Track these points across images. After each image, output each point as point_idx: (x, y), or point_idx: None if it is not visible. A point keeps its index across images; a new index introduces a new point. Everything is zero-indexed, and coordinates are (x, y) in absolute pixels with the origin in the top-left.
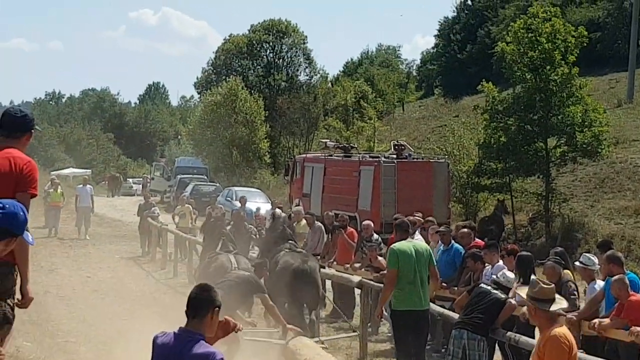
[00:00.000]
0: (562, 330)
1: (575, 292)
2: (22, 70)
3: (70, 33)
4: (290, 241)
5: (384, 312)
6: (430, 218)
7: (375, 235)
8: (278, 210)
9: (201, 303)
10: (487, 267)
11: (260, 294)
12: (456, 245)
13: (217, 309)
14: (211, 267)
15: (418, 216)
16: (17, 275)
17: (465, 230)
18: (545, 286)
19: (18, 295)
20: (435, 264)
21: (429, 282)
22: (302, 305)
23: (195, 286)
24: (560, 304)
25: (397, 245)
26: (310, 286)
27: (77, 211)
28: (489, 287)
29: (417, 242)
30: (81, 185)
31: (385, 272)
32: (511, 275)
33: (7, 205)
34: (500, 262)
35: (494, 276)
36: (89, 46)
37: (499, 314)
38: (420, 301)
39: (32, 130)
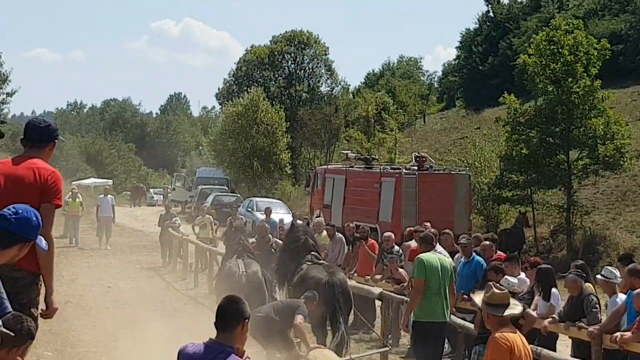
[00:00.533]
0: (506, 333)
1: (597, 306)
2: (44, 80)
3: (92, 43)
4: (312, 252)
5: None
6: (446, 230)
7: (397, 247)
8: (299, 222)
9: (231, 315)
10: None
11: (299, 314)
12: (477, 257)
13: (246, 320)
14: (222, 275)
15: (427, 226)
16: (41, 285)
17: (487, 242)
18: (497, 291)
19: (42, 305)
20: (455, 280)
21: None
22: (326, 321)
23: (225, 298)
24: (514, 309)
25: (424, 255)
26: (343, 299)
27: (98, 221)
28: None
29: (441, 255)
30: (102, 195)
31: (405, 284)
32: (514, 280)
33: (20, 211)
34: (522, 275)
35: (498, 284)
36: (110, 56)
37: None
38: (443, 313)
39: (56, 141)
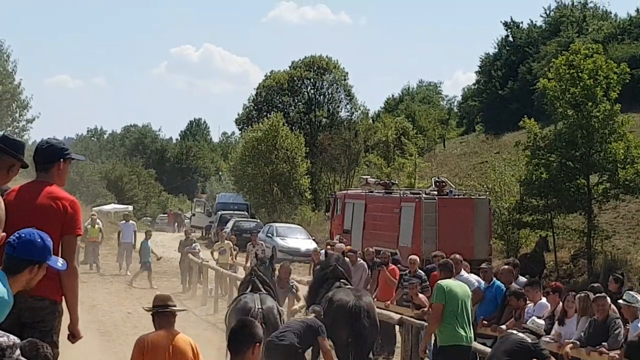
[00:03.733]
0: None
1: (621, 329)
2: (65, 106)
3: (113, 70)
4: (342, 280)
5: (427, 347)
6: (457, 256)
7: (420, 271)
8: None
9: (243, 339)
10: (529, 305)
11: (321, 336)
12: (498, 282)
13: (258, 344)
14: (236, 309)
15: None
16: (62, 313)
17: (507, 267)
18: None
19: (64, 332)
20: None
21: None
22: (349, 346)
23: (238, 320)
24: None
25: (444, 281)
26: (368, 323)
27: (119, 247)
28: (516, 331)
29: (461, 282)
30: (124, 221)
31: (425, 309)
32: (541, 321)
33: (23, 235)
34: (543, 300)
35: (524, 324)
36: (131, 82)
37: (524, 357)
38: (467, 338)
39: (63, 159)
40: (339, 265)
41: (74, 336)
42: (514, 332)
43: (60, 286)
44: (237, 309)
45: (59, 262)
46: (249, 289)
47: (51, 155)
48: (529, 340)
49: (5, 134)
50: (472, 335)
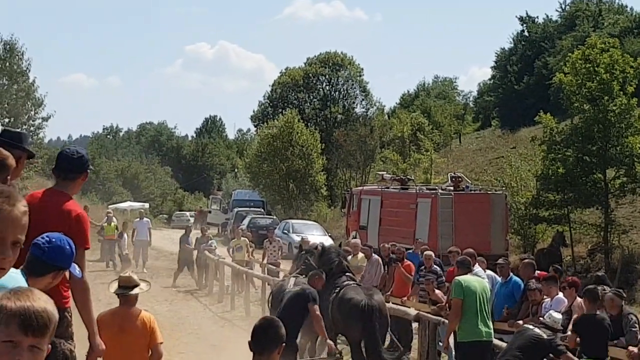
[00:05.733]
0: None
1: (637, 325)
2: (81, 105)
3: (128, 68)
4: (347, 274)
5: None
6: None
7: (436, 267)
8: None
9: (272, 338)
10: (546, 300)
11: (312, 303)
12: (515, 278)
13: (284, 345)
14: (273, 290)
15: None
16: (71, 317)
17: (526, 261)
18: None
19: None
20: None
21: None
22: (361, 343)
23: (262, 319)
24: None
25: (462, 277)
26: (380, 323)
27: (135, 244)
28: (532, 326)
29: (479, 277)
30: (138, 219)
31: (441, 304)
32: (558, 315)
33: (54, 239)
34: (560, 295)
35: (541, 318)
36: (146, 80)
37: (541, 354)
38: (486, 333)
39: (88, 171)
40: (342, 259)
41: (93, 349)
42: (530, 327)
43: (66, 293)
44: (274, 291)
45: (77, 270)
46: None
47: (80, 167)
48: (545, 336)
49: (5, 127)
50: (492, 331)
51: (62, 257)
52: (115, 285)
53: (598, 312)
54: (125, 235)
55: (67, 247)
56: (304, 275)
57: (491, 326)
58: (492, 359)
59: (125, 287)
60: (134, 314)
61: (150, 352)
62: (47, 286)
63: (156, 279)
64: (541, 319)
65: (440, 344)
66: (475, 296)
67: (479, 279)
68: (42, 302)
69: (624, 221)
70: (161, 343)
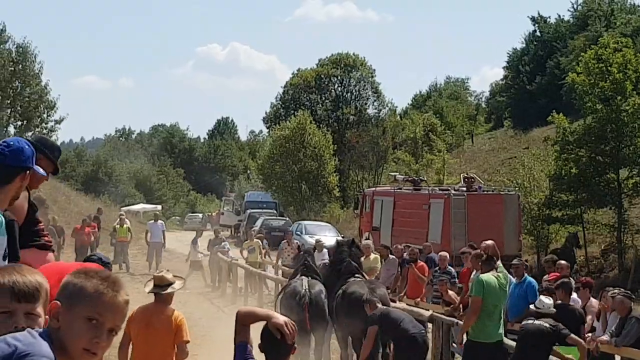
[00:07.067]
0: None
1: (633, 327)
2: (93, 107)
3: (140, 70)
4: (356, 275)
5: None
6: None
7: (450, 268)
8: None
9: (285, 351)
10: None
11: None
12: (529, 278)
13: (295, 348)
14: (286, 293)
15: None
16: None
17: (564, 262)
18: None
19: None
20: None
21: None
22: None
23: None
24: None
25: (485, 276)
26: None
27: (149, 246)
28: (532, 320)
29: (502, 274)
30: (152, 221)
31: (455, 305)
32: (547, 300)
33: (12, 142)
34: (574, 295)
35: (532, 306)
36: (158, 82)
37: (550, 344)
38: (495, 334)
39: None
40: (352, 261)
41: None
42: (529, 321)
43: None
44: (287, 294)
45: (41, 170)
46: (299, 275)
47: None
48: (548, 325)
49: (42, 136)
50: (502, 332)
51: (24, 157)
52: (150, 285)
53: (571, 303)
54: (198, 242)
55: (27, 146)
56: (310, 278)
57: (502, 328)
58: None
59: (159, 287)
60: (163, 311)
61: (175, 349)
62: (18, 192)
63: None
64: (532, 307)
65: (454, 345)
66: (492, 297)
67: (500, 278)
68: (31, 273)
69: (637, 221)
70: (187, 342)
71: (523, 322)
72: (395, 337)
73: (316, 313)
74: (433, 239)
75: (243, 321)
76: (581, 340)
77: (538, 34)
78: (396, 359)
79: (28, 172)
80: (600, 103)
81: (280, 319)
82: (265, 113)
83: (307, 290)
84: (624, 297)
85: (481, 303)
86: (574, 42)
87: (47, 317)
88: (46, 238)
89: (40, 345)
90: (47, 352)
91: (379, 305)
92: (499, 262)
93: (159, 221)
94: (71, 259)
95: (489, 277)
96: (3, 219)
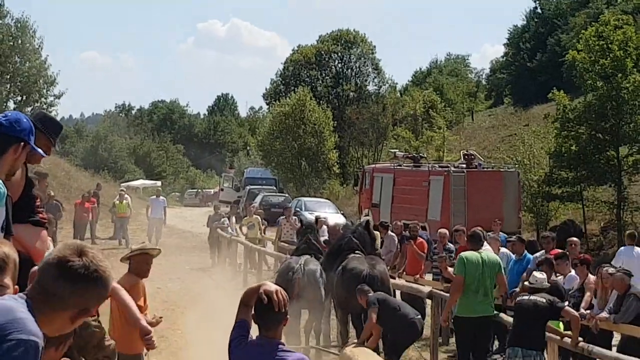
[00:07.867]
0: None
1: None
2: (93, 82)
3: (141, 45)
4: (356, 252)
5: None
6: (461, 228)
7: (450, 244)
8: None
9: (276, 318)
10: (559, 277)
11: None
12: (529, 255)
13: (287, 317)
14: (280, 269)
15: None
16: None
17: (548, 233)
18: None
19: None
20: (504, 273)
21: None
22: (361, 315)
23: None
24: None
25: (466, 254)
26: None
27: (149, 222)
28: (527, 296)
29: (487, 252)
30: (154, 197)
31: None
32: (541, 275)
33: (9, 114)
34: (572, 272)
35: (526, 282)
36: (158, 58)
37: (546, 318)
38: (482, 309)
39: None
40: (353, 238)
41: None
42: (525, 297)
43: None
44: (281, 269)
45: (40, 150)
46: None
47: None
48: (544, 300)
49: (44, 112)
50: (491, 307)
51: (19, 127)
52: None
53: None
54: (233, 219)
55: (24, 120)
56: (310, 255)
57: (491, 303)
58: (503, 335)
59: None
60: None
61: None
62: (14, 165)
63: (169, 257)
64: (526, 283)
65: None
66: (475, 273)
67: (486, 254)
68: None
69: (637, 198)
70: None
71: (518, 298)
72: (393, 322)
73: (308, 289)
74: (433, 215)
75: (245, 300)
76: (576, 314)
77: (539, 11)
78: (394, 343)
79: (22, 144)
80: (600, 80)
81: (272, 286)
82: (265, 89)
83: (301, 265)
84: (624, 274)
85: (462, 280)
86: (574, 19)
87: (16, 287)
88: (41, 215)
89: (26, 321)
90: (34, 329)
91: (370, 295)
92: (486, 245)
93: (161, 197)
94: (70, 235)
95: (470, 254)
96: (5, 189)
